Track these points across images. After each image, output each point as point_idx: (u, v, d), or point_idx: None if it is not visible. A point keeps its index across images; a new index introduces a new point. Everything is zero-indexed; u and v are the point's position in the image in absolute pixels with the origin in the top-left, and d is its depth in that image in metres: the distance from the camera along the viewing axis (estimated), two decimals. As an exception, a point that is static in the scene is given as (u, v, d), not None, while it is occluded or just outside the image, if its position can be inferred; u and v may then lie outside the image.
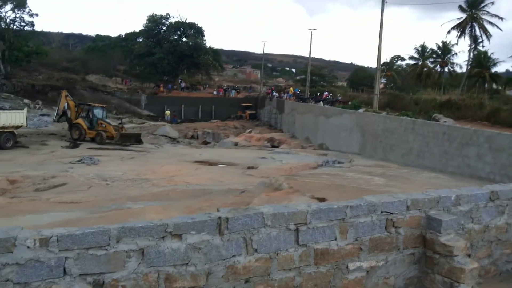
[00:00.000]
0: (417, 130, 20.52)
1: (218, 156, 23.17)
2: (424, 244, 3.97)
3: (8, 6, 49.13)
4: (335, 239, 3.48)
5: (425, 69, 53.59)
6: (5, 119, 23.55)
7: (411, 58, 56.40)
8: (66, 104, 29.46)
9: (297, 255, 3.31)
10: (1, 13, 49.08)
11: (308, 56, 52.86)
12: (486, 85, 46.23)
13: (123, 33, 68.37)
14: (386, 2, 30.02)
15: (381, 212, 3.71)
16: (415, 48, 55.06)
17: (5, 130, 23.41)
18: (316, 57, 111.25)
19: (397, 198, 3.86)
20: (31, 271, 2.50)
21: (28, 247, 2.49)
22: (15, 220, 8.00)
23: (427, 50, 54.48)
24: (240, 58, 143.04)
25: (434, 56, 53.44)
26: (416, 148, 20.43)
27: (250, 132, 40.67)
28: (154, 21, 61.52)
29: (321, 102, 40.77)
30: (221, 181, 15.13)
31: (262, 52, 74.07)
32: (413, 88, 54.62)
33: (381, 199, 3.78)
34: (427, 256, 3.95)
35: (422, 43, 55.22)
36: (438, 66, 53.12)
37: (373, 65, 63.21)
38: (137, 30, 65.01)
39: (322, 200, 8.30)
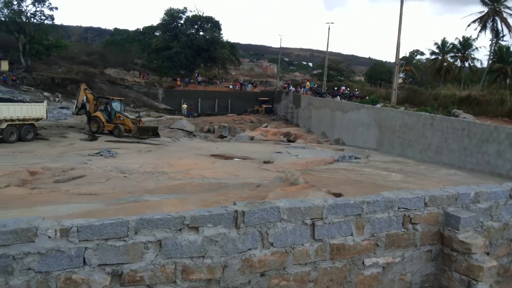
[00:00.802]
0: (436, 126, 20.23)
1: (234, 150, 23.24)
2: (442, 241, 3.92)
3: (29, 0, 49.96)
4: (351, 235, 3.46)
5: (445, 64, 52.70)
6: (26, 112, 23.98)
7: (432, 53, 55.52)
8: (85, 97, 29.85)
9: (312, 249, 3.31)
10: (22, 7, 49.88)
11: (325, 50, 52.39)
12: (507, 81, 45.21)
13: (141, 27, 68.93)
14: (405, -4, 29.50)
15: (398, 208, 3.68)
16: (435, 43, 54.21)
17: (26, 122, 23.85)
18: (334, 51, 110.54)
19: (415, 194, 3.82)
20: (52, 261, 2.56)
21: (49, 237, 2.54)
22: (35, 211, 8.17)
23: (447, 44, 53.54)
24: (257, 52, 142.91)
25: (455, 50, 52.50)
26: (434, 144, 20.16)
27: (266, 126, 40.65)
28: (172, 15, 61.76)
29: (338, 97, 40.45)
30: (237, 175, 15.18)
31: (279, 46, 73.81)
32: (432, 83, 53.77)
33: (399, 195, 3.75)
34: (445, 253, 3.91)
35: (442, 38, 54.27)
36: (458, 61, 52.17)
37: (392, 59, 62.34)
38: (155, 24, 65.47)
39: (338, 195, 8.27)
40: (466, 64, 51.91)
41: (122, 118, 28.89)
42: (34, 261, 2.52)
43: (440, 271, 3.96)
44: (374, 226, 3.56)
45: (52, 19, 52.30)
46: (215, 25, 62.47)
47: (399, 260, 3.73)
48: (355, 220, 3.47)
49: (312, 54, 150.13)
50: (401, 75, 56.94)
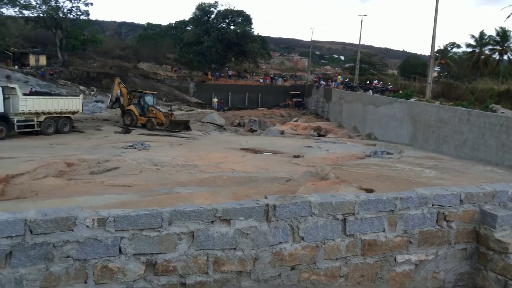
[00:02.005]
0: (473, 121, 19.61)
1: (264, 144, 23.28)
2: (477, 239, 3.82)
3: (66, -4, 51.40)
4: (384, 231, 3.42)
5: (482, 56, 50.85)
6: (63, 105, 24.78)
7: (468, 45, 53.66)
8: (119, 91, 30.53)
9: (344, 245, 3.29)
10: (59, 3, 51.39)
11: (357, 43, 51.55)
12: (549, 74, 43.22)
13: (173, 22, 69.74)
14: (442, -13, 28.57)
15: (433, 205, 3.60)
16: (472, 35, 52.36)
17: (63, 115, 24.65)
18: (366, 44, 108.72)
19: (450, 191, 3.73)
20: (89, 249, 2.65)
21: (87, 226, 2.63)
22: (72, 201, 8.46)
23: (485, 37, 51.59)
24: (288, 46, 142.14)
25: (493, 43, 50.54)
26: (470, 139, 19.56)
27: (296, 120, 40.47)
28: (203, 10, 62.18)
29: (370, 91, 39.77)
30: (267, 169, 15.22)
31: (310, 40, 73.14)
32: (468, 76, 52.02)
33: (433, 191, 3.66)
34: (480, 252, 3.81)
35: (480, 30, 52.34)
36: (497, 53, 50.20)
37: (426, 52, 60.68)
38: (187, 19, 66.07)
39: (370, 191, 8.17)
40: (505, 57, 49.87)
41: (154, 112, 29.40)
42: (73, 249, 2.62)
43: (475, 270, 3.86)
44: (407, 222, 3.50)
45: (88, 14, 53.74)
46: (246, 19, 62.52)
47: (432, 257, 3.66)
48: (387, 216, 3.42)
49: (344, 47, 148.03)
50: (436, 68, 55.37)
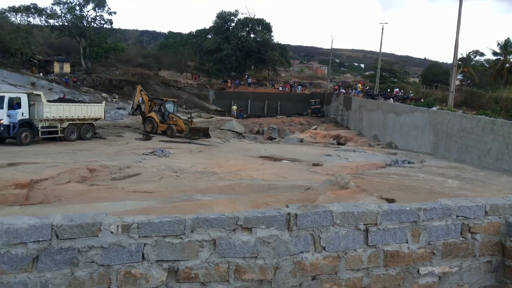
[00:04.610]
0: (497, 131, 19.19)
1: (283, 151, 23.23)
2: (503, 252, 3.73)
3: (90, 6, 52.67)
4: (406, 242, 3.37)
5: (507, 65, 49.85)
6: (85, 112, 25.25)
7: (493, 53, 52.70)
8: (140, 98, 30.96)
9: (365, 255, 3.26)
10: (84, 12, 52.68)
11: (378, 51, 51.19)
12: None
13: (194, 30, 70.60)
14: (465, -6, 28.20)
15: (457, 216, 3.54)
16: (498, 43, 51.41)
17: (85, 122, 25.11)
18: (387, 52, 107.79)
19: (474, 202, 3.66)
20: (113, 255, 2.68)
21: (112, 232, 2.67)
22: (94, 206, 8.59)
23: (510, 44, 50.58)
24: (307, 54, 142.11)
25: (518, 51, 49.51)
26: (495, 149, 19.13)
27: (315, 128, 40.33)
28: (223, 18, 62.79)
29: (391, 99, 39.38)
30: (286, 177, 15.17)
31: (330, 47, 72.90)
32: (492, 85, 51.03)
33: (457, 202, 3.60)
34: (506, 265, 3.71)
35: (506, 38, 51.25)
36: (522, 62, 49.13)
37: (448, 60, 59.86)
38: (207, 27, 66.82)
39: (391, 201, 8.07)
40: (531, 65, 48.77)
41: (175, 119, 29.70)
42: (97, 255, 2.66)
43: (500, 283, 3.77)
44: (430, 234, 3.44)
45: (111, 23, 54.96)
46: (266, 27, 62.84)
47: (456, 270, 3.59)
48: (410, 227, 3.38)
49: (364, 55, 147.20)
50: (459, 76, 54.49)
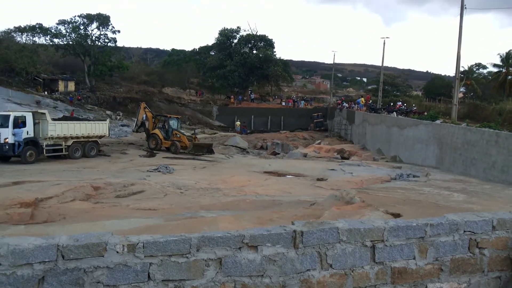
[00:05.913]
0: (501, 143, 19.10)
1: (287, 167, 23.19)
2: (512, 267, 3.69)
3: (94, 25, 53.38)
4: (414, 258, 3.34)
5: (509, 77, 49.93)
6: (90, 129, 25.39)
7: (494, 66, 52.84)
8: (144, 115, 31.11)
9: (373, 272, 3.22)
10: (88, 31, 53.36)
11: (380, 65, 51.42)
12: None
13: (197, 47, 71.24)
14: (465, 8, 28.38)
15: (464, 231, 3.51)
16: (499, 55, 51.60)
17: (90, 139, 25.21)
18: (389, 65, 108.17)
19: (481, 217, 3.63)
20: (119, 275, 2.66)
21: (117, 252, 2.66)
22: (99, 225, 8.57)
23: (512, 56, 50.75)
24: (310, 69, 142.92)
25: (520, 63, 49.63)
26: (500, 162, 19.02)
27: (319, 143, 40.30)
28: (226, 35, 63.38)
29: (394, 113, 39.38)
30: (290, 193, 15.13)
31: (332, 62, 73.22)
32: (495, 97, 51.03)
33: (464, 217, 3.57)
34: (516, 281, 3.67)
35: (507, 50, 51.43)
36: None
37: (451, 73, 60.01)
38: (210, 44, 67.41)
39: (397, 215, 8.01)
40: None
41: (178, 135, 29.78)
42: (103, 275, 2.64)
43: (511, 299, 3.71)
44: (438, 249, 3.41)
45: (115, 41, 55.53)
46: (268, 43, 63.32)
47: (464, 286, 3.54)
48: (417, 243, 3.35)
49: (366, 69, 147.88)
50: (462, 89, 54.54)
